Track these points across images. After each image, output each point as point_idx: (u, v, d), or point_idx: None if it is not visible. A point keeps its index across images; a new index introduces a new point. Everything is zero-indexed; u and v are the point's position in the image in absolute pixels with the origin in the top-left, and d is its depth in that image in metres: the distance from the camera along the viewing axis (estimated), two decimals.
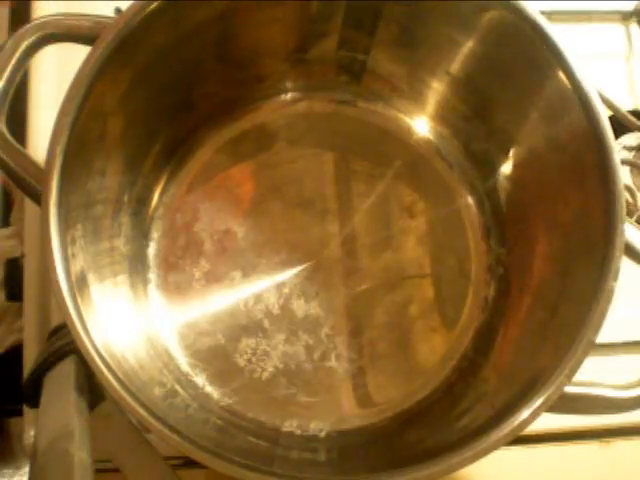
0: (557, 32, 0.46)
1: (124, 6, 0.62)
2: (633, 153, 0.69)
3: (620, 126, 0.67)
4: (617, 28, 0.74)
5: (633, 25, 0.74)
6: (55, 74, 0.66)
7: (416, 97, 0.64)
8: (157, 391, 0.54)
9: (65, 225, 0.46)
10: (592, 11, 0.73)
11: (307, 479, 0.45)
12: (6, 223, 0.72)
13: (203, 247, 0.61)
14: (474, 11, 0.49)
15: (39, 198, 0.45)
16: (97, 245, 0.54)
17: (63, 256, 0.44)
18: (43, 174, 0.45)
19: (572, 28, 0.72)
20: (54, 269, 0.44)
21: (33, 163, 0.47)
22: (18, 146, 0.48)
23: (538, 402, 0.44)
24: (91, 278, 0.51)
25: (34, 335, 0.61)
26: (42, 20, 0.48)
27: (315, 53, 0.60)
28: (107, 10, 0.65)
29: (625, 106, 0.69)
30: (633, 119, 0.68)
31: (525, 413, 0.44)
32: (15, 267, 0.64)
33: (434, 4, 0.51)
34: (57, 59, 0.65)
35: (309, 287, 0.62)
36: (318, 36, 0.58)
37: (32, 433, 0.58)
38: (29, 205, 0.63)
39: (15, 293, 0.63)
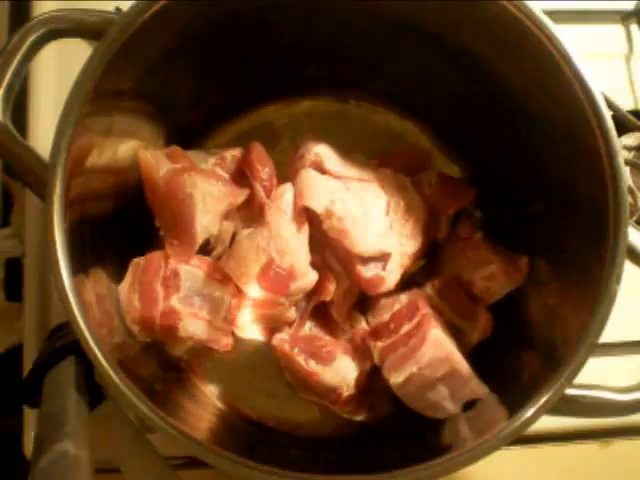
0: (562, 33, 0.46)
1: (124, 5, 0.62)
2: (633, 153, 0.69)
3: (620, 126, 0.67)
4: (617, 28, 0.74)
5: (633, 25, 0.74)
6: (55, 70, 0.66)
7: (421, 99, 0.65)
8: (158, 387, 0.54)
9: None
10: (592, 11, 0.73)
11: (307, 478, 0.45)
12: (6, 223, 0.71)
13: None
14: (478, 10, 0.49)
15: (43, 193, 0.45)
16: None
17: (66, 252, 0.44)
18: (47, 169, 0.45)
19: (572, 28, 0.72)
20: (57, 264, 0.44)
21: (38, 158, 0.47)
22: (23, 141, 0.48)
23: (539, 404, 0.44)
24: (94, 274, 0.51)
25: (34, 335, 0.61)
26: (48, 15, 0.48)
27: None
28: (107, 9, 0.64)
29: (625, 106, 0.69)
30: (633, 119, 0.68)
31: (526, 414, 0.44)
32: (15, 267, 0.64)
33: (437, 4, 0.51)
34: (57, 55, 0.65)
35: None
36: None
37: (32, 433, 0.58)
38: (29, 205, 0.63)
39: (15, 293, 0.63)
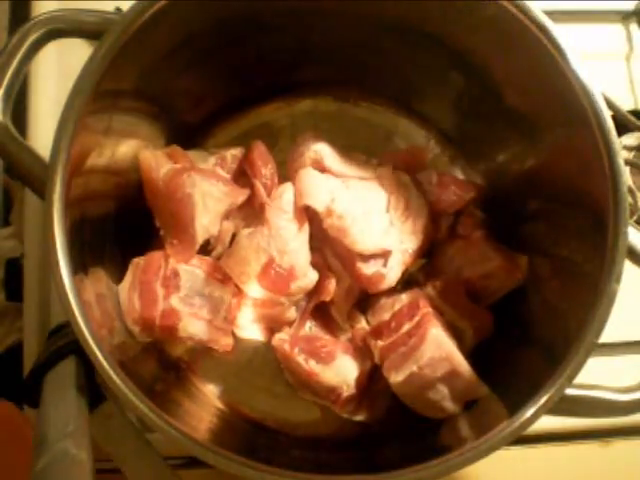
0: (562, 33, 0.46)
1: (124, 5, 0.62)
2: (633, 153, 0.69)
3: (620, 126, 0.67)
4: (617, 28, 0.74)
5: (633, 25, 0.74)
6: (55, 70, 0.66)
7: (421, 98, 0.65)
8: (158, 387, 0.54)
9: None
10: (592, 11, 0.73)
11: (307, 478, 0.45)
12: (6, 223, 0.71)
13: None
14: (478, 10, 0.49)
15: (43, 193, 0.45)
16: None
17: (66, 252, 0.44)
18: (47, 169, 0.45)
19: (572, 28, 0.72)
20: (57, 264, 0.44)
21: (38, 158, 0.47)
22: (23, 141, 0.48)
23: (539, 404, 0.44)
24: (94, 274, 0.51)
25: (34, 335, 0.61)
26: (48, 15, 0.48)
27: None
28: (107, 9, 0.64)
29: (625, 106, 0.69)
30: (633, 119, 0.68)
31: (526, 414, 0.44)
32: (15, 267, 0.64)
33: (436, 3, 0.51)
34: (57, 55, 0.66)
35: None
36: None
37: (32, 433, 0.58)
38: (29, 205, 0.63)
39: (15, 293, 0.63)
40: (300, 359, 0.55)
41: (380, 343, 0.55)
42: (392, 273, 0.56)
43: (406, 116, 0.66)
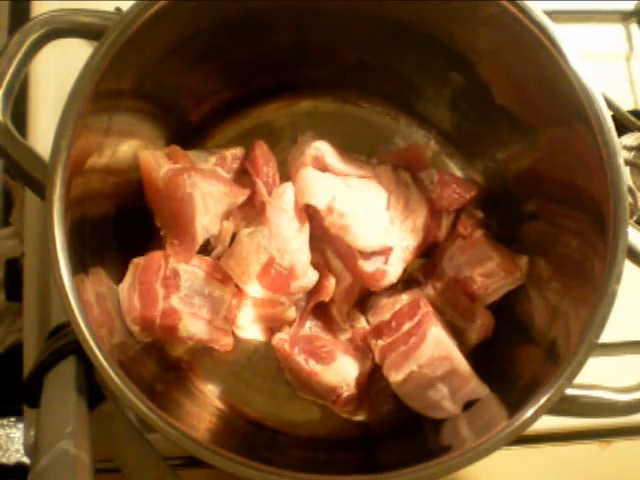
0: (562, 33, 0.46)
1: (124, 5, 0.62)
2: (633, 153, 0.69)
3: (620, 126, 0.67)
4: (617, 28, 0.74)
5: (633, 25, 0.74)
6: (55, 70, 0.66)
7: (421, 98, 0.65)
8: (158, 387, 0.54)
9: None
10: (592, 11, 0.73)
11: (307, 478, 0.45)
12: (6, 223, 0.71)
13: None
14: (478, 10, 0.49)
15: (43, 193, 0.45)
16: None
17: (67, 252, 0.45)
18: (47, 169, 0.45)
19: (572, 28, 0.72)
20: (57, 264, 0.44)
21: (38, 158, 0.47)
22: (24, 141, 0.48)
23: (539, 404, 0.44)
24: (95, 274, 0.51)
25: (34, 335, 0.61)
26: (48, 15, 0.48)
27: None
28: (107, 9, 0.64)
29: (625, 106, 0.69)
30: (633, 119, 0.68)
31: (526, 414, 0.44)
32: (15, 267, 0.64)
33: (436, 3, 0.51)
34: (57, 55, 0.66)
35: None
36: None
37: (32, 433, 0.59)
38: (29, 205, 0.63)
39: (15, 293, 0.63)
40: (300, 359, 0.55)
41: (380, 342, 0.55)
42: (393, 270, 0.56)
43: (406, 116, 0.66)
